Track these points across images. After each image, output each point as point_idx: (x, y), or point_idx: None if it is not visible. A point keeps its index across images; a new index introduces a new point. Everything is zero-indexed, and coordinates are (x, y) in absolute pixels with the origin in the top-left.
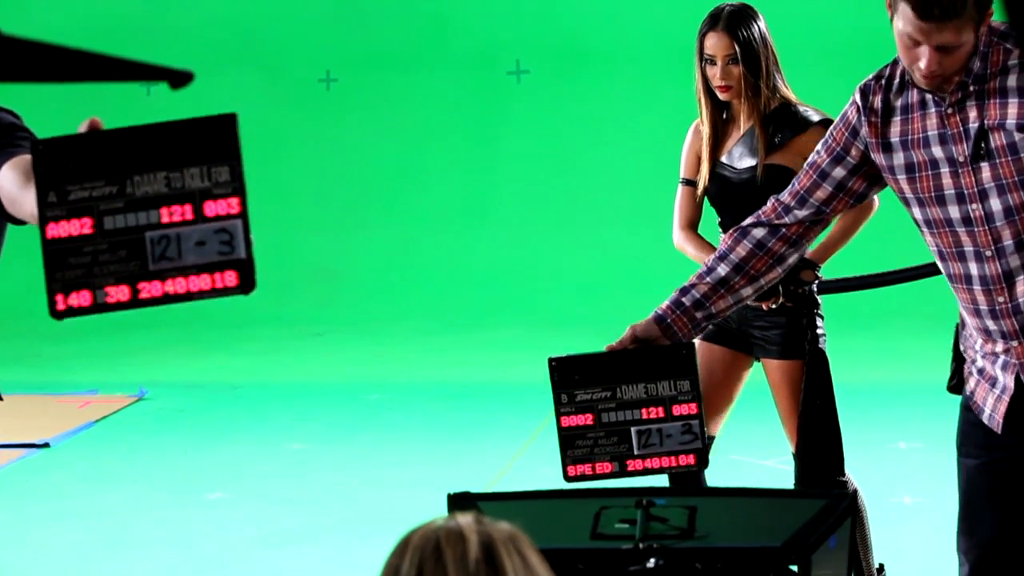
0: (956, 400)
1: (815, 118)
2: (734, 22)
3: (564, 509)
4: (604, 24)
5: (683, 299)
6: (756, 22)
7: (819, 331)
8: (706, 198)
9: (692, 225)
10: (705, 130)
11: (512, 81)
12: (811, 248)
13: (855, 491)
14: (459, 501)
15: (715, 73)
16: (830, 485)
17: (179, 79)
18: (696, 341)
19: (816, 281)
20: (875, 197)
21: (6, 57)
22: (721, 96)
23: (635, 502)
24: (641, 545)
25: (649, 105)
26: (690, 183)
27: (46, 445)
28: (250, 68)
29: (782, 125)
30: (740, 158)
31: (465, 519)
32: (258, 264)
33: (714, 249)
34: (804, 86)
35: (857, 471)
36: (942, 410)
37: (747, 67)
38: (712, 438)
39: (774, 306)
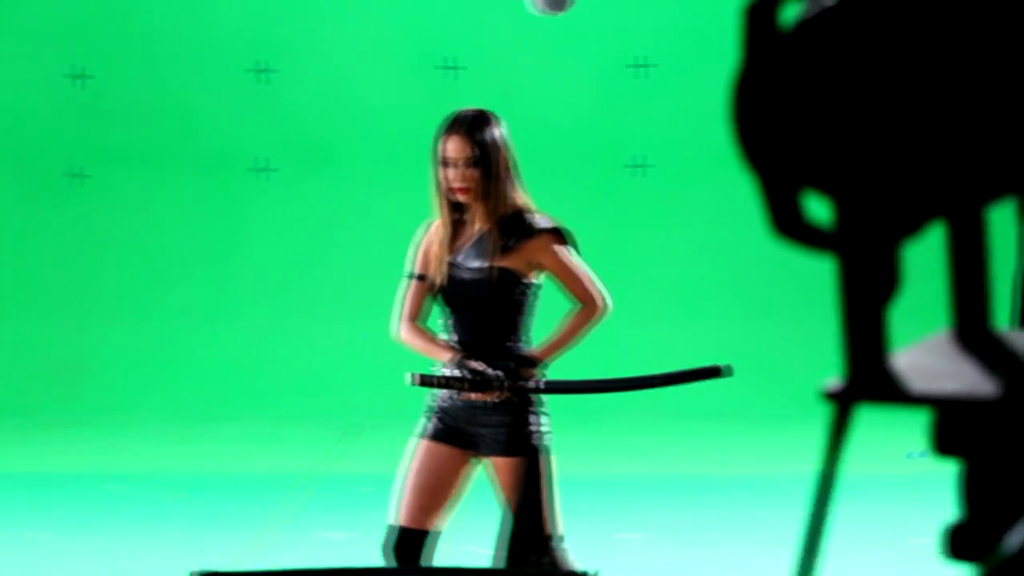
0: (678, 491)
1: (544, 225)
2: (473, 127)
3: None
4: (348, 123)
5: None
6: (494, 127)
7: (543, 428)
8: (437, 297)
9: (416, 318)
10: (440, 232)
11: (256, 178)
12: (537, 346)
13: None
14: None
15: (453, 176)
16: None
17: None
18: (420, 440)
19: (538, 378)
20: (605, 299)
21: None
22: (458, 198)
23: None
24: None
25: (394, 203)
26: (420, 278)
27: None
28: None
29: (513, 230)
30: (471, 259)
31: None
32: (4, 355)
33: (434, 336)
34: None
35: (585, 562)
36: (665, 501)
37: (484, 171)
38: (437, 533)
39: (496, 399)
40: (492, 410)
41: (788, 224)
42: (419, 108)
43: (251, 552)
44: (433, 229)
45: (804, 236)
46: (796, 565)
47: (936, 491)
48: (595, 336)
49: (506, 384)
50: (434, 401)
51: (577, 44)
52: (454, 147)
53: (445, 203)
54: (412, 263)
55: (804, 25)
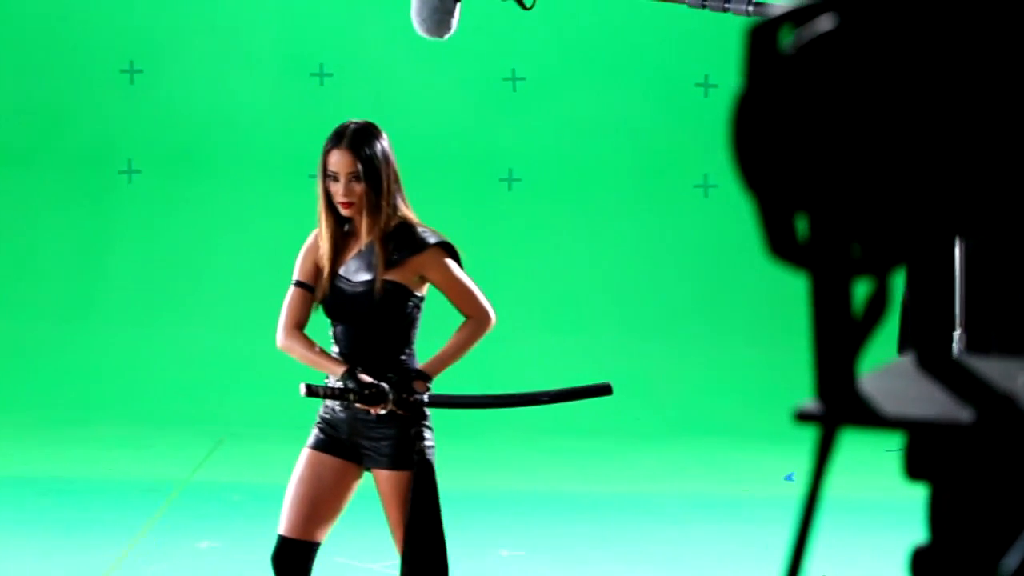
0: (555, 510)
1: (432, 240)
2: (358, 140)
3: None
4: (217, 127)
5: None
6: (379, 140)
7: (427, 442)
8: (321, 307)
9: (300, 326)
10: (325, 245)
11: (124, 180)
12: (425, 360)
13: None
14: None
15: (338, 189)
16: None
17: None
18: (306, 450)
19: (427, 392)
20: (491, 313)
21: None
22: (343, 212)
23: None
24: None
25: (263, 209)
26: (303, 286)
27: None
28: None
29: (400, 244)
30: (357, 272)
31: None
32: None
33: (319, 347)
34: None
35: None
36: (543, 518)
37: (369, 185)
38: (317, 544)
39: (383, 411)
40: (378, 423)
41: (783, 246)
42: (290, 114)
43: (128, 562)
44: (318, 238)
45: (799, 259)
46: None
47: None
48: (475, 349)
49: (393, 397)
50: (323, 411)
51: (451, 55)
52: (338, 160)
53: (330, 216)
54: (298, 270)
55: (802, 49)
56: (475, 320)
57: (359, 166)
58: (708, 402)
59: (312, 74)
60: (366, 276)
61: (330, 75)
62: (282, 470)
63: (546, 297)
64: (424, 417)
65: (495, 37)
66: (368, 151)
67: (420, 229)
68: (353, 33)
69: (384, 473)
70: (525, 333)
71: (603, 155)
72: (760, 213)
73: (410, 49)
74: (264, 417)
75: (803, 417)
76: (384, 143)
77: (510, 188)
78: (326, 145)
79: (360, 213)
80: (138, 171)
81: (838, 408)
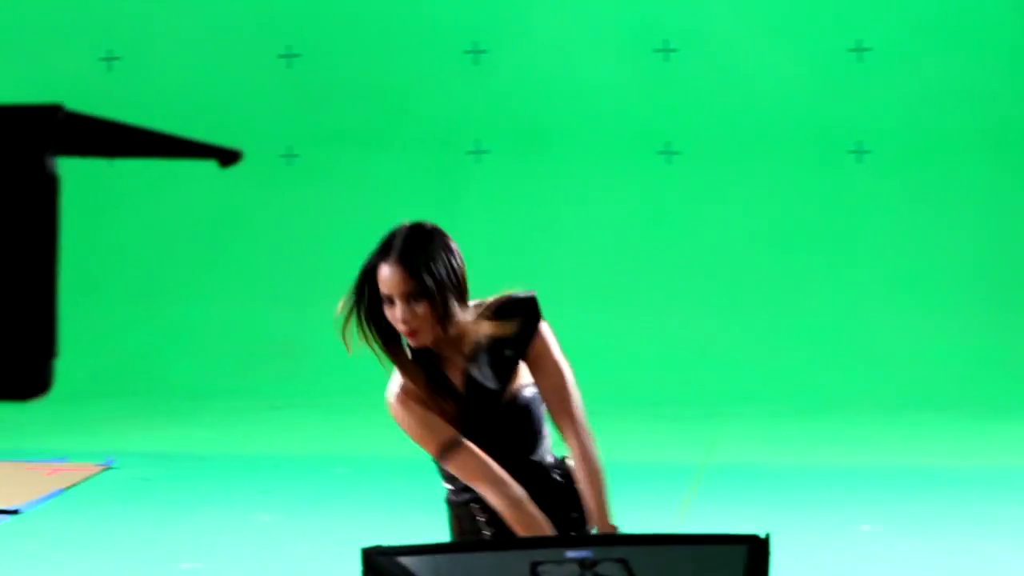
0: (916, 482)
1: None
2: (410, 252)
3: (494, 567)
4: (565, 105)
5: None
6: (439, 245)
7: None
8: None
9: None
10: (418, 387)
11: (472, 161)
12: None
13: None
14: (375, 555)
15: (394, 314)
16: None
17: (228, 158)
18: None
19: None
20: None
21: (69, 133)
22: (411, 342)
23: (574, 560)
24: None
25: (608, 187)
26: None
27: (16, 512)
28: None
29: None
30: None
31: None
32: (219, 337)
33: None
34: None
35: (821, 553)
36: (904, 493)
37: (433, 303)
38: None
39: None
40: None
41: None
42: (635, 90)
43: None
44: (410, 393)
45: None
46: None
47: None
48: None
49: None
50: None
51: (795, 27)
52: (390, 278)
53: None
54: (443, 433)
55: None
56: (577, 413)
57: (415, 286)
58: None
59: (656, 50)
60: (495, 384)
61: (675, 51)
62: None
63: (897, 273)
64: None
65: (838, 5)
66: (424, 265)
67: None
68: (695, 7)
69: None
70: (877, 306)
71: (954, 125)
72: None
73: (753, 21)
74: None
75: None
76: (444, 245)
77: (859, 160)
78: (372, 259)
79: (433, 337)
80: (487, 151)
81: None
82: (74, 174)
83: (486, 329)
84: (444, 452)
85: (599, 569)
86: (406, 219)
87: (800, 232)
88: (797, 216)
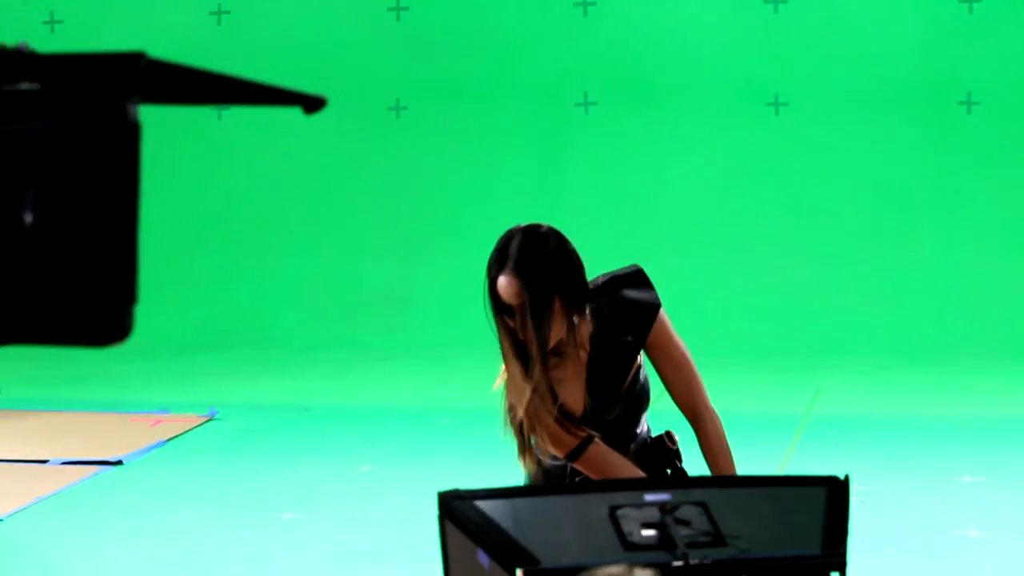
0: (1019, 434)
1: (649, 301)
2: (524, 261)
3: (572, 510)
4: (673, 57)
5: None
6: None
7: None
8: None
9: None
10: (541, 390)
11: (580, 112)
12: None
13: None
14: (452, 499)
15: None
16: None
17: (313, 104)
18: None
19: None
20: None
21: (153, 80)
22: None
23: (653, 504)
24: (691, 561)
25: (716, 138)
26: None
27: (119, 463)
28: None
29: (622, 325)
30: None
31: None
32: (324, 289)
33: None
34: None
35: (922, 504)
36: (1006, 445)
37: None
38: None
39: None
40: None
41: None
42: (744, 43)
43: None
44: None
45: None
46: None
47: None
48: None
49: None
50: None
51: None
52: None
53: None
54: (572, 436)
55: None
56: (705, 403)
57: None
58: None
59: (766, 1)
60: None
61: (784, 1)
62: None
63: (1006, 224)
64: None
65: None
66: (535, 272)
67: (622, 297)
68: None
69: None
70: (998, 261)
71: None
72: None
73: None
74: None
75: None
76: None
77: (969, 111)
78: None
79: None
80: (594, 103)
81: None
82: (183, 126)
83: (604, 321)
84: (575, 455)
85: (678, 513)
86: (520, 223)
87: (908, 183)
88: (906, 167)
